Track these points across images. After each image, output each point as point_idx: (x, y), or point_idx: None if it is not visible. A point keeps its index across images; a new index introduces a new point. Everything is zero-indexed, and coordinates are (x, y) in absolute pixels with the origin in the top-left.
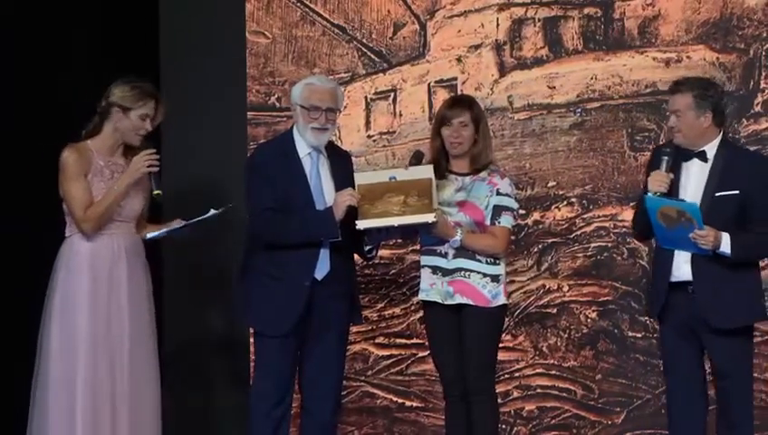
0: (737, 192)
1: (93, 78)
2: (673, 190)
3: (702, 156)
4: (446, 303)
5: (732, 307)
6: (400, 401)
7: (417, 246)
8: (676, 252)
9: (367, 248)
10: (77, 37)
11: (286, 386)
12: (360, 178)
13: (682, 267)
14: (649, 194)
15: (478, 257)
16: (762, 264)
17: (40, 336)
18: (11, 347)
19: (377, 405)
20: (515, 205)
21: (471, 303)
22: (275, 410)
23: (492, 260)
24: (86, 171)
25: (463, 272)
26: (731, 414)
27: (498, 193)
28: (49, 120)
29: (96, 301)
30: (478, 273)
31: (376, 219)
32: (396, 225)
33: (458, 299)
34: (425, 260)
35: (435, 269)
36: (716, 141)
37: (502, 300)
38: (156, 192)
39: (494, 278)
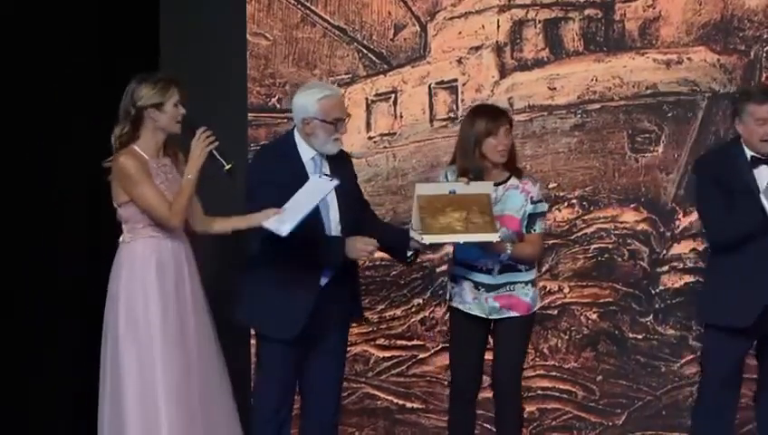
0: None
1: (93, 79)
2: None
3: None
4: (489, 317)
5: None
6: (401, 402)
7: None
8: None
9: (409, 254)
10: (77, 38)
11: (288, 390)
12: (421, 189)
13: None
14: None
15: (519, 267)
16: None
17: (106, 344)
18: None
19: (377, 407)
20: (546, 206)
21: (515, 314)
22: (277, 414)
23: (528, 266)
24: (148, 174)
25: (509, 286)
26: None
27: (532, 201)
28: (49, 121)
29: (167, 301)
30: (521, 283)
31: (441, 235)
32: (461, 242)
33: (504, 314)
34: (464, 273)
35: (478, 285)
36: None
37: (538, 303)
38: (227, 167)
39: (533, 283)
